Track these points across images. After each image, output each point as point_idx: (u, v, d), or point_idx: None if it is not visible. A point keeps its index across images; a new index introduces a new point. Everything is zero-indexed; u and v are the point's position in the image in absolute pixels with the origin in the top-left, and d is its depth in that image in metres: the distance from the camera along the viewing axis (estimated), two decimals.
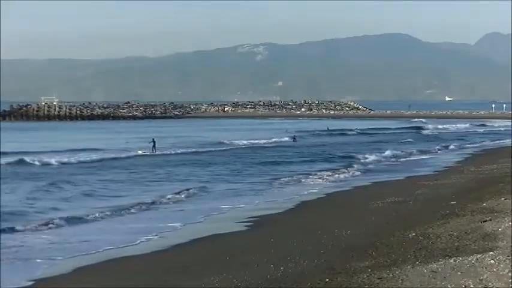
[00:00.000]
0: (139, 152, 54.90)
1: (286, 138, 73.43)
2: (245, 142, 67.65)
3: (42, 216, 23.74)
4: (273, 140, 71.77)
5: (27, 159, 46.21)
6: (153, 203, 27.09)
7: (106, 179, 36.14)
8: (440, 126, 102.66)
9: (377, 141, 68.87)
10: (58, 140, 70.46)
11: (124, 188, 32.67)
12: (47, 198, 28.27)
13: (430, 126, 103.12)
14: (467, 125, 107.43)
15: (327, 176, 37.24)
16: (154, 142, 57.10)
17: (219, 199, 28.60)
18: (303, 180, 35.42)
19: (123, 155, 52.66)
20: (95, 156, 50.92)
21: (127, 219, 23.59)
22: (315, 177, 36.62)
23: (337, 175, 37.67)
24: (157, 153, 55.26)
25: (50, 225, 21.97)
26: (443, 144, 62.54)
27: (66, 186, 32.11)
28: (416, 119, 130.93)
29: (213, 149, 59.60)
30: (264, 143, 67.52)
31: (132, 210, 25.28)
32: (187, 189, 30.63)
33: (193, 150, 58.61)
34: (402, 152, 53.17)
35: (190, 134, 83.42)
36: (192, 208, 26.00)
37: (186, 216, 23.98)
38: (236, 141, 67.78)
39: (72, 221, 22.71)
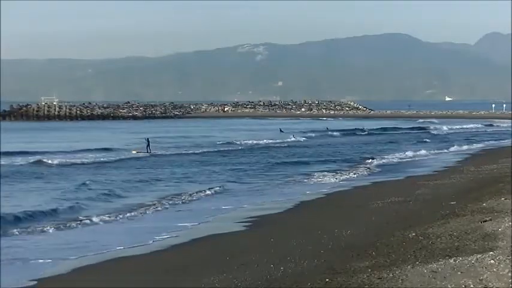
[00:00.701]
0: (134, 152, 54.75)
1: (296, 138, 73.60)
2: (261, 142, 67.91)
3: (65, 216, 24.06)
4: (280, 140, 71.68)
5: (45, 159, 46.77)
6: (178, 202, 27.84)
7: (121, 179, 36.37)
8: (452, 126, 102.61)
9: (390, 141, 69.01)
10: (65, 140, 70.41)
11: (137, 187, 33.06)
12: (70, 199, 28.28)
13: (444, 127, 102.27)
14: (478, 125, 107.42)
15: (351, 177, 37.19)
16: (148, 142, 56.92)
17: (239, 198, 29.06)
18: (321, 179, 35.50)
19: (133, 156, 52.64)
20: (112, 156, 51.24)
21: (142, 219, 23.83)
22: (338, 177, 36.49)
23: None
24: (152, 152, 54.93)
25: (74, 225, 22.43)
26: (460, 144, 62.89)
27: (87, 186, 32.44)
28: (423, 119, 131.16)
29: (223, 149, 59.54)
30: (275, 143, 67.60)
31: (150, 210, 25.64)
32: (210, 189, 31.19)
33: (206, 150, 58.45)
34: (425, 151, 53.31)
35: (196, 134, 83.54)
36: (215, 206, 26.43)
37: (210, 214, 24.48)
38: (246, 141, 67.77)
39: (89, 221, 23.07)
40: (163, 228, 21.23)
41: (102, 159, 49.03)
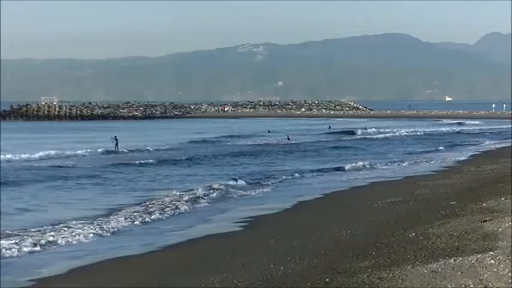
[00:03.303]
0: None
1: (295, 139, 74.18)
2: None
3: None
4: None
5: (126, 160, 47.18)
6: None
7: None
8: (485, 127, 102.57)
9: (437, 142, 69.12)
10: (89, 141, 70.47)
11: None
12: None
13: (485, 127, 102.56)
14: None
15: None
16: (116, 140, 56.71)
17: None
18: None
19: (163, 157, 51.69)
20: (179, 154, 52.14)
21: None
22: None
23: None
24: (120, 150, 54.71)
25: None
26: None
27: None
28: (458, 120, 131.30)
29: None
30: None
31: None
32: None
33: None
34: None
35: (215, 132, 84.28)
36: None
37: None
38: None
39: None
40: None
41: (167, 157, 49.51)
